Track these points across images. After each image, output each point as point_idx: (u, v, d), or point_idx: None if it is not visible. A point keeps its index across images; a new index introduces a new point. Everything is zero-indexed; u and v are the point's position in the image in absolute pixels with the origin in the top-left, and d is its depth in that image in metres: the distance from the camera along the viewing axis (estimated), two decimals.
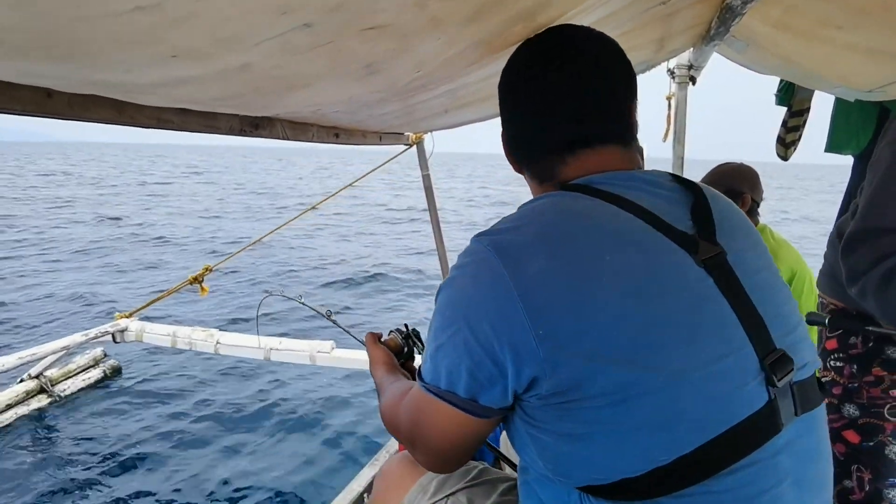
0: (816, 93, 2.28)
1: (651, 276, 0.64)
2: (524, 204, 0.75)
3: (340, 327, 1.63)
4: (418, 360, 1.26)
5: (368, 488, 2.27)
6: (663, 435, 0.60)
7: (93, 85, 0.89)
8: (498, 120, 0.89)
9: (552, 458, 0.66)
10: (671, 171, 0.83)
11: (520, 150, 0.85)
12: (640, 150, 0.83)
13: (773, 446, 0.64)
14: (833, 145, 2.22)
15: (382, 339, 1.24)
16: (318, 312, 1.65)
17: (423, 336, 1.28)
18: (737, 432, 0.62)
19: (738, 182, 1.96)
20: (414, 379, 1.15)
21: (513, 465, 1.18)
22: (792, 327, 0.71)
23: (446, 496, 1.00)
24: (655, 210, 0.70)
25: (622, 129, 0.79)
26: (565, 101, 0.77)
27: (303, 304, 1.81)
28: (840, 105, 2.16)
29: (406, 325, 1.29)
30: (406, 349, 1.26)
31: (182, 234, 13.53)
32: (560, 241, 0.65)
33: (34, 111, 0.95)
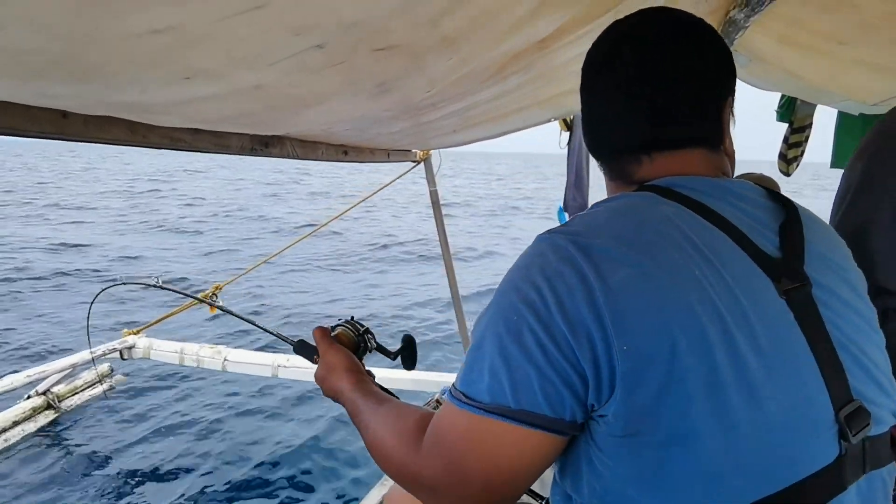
0: (818, 107, 2.30)
1: (734, 302, 0.57)
2: (596, 204, 0.67)
3: (186, 295, 1.50)
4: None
5: None
6: (727, 482, 0.54)
7: (108, 106, 0.91)
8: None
9: (603, 487, 0.59)
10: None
11: (593, 143, 0.76)
12: (732, 154, 0.74)
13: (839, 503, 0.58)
14: (839, 161, 2.23)
15: (334, 334, 1.01)
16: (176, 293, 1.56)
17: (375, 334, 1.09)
18: (800, 489, 0.56)
19: None
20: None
21: (534, 495, 1.12)
22: (873, 377, 0.63)
23: None
24: (741, 226, 0.62)
25: (710, 131, 0.69)
26: (642, 95, 0.67)
27: (152, 286, 1.72)
28: (844, 120, 2.18)
29: (352, 318, 1.09)
30: (362, 345, 1.04)
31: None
32: (644, 249, 0.58)
33: (51, 132, 0.97)
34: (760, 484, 0.55)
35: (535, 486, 1.16)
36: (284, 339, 1.20)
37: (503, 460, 0.59)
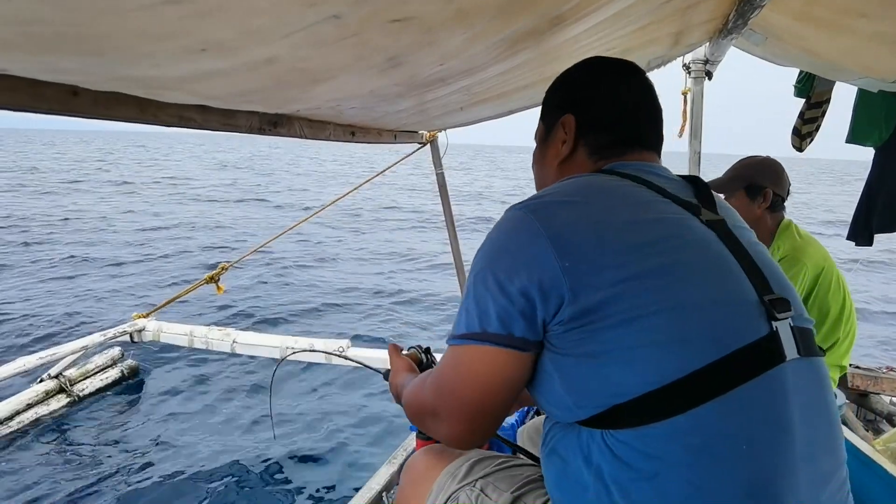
0: (836, 84, 2.25)
1: (661, 225, 0.75)
2: (558, 182, 0.86)
3: None
4: None
5: (387, 486, 2.27)
6: (675, 349, 0.66)
7: (119, 81, 0.90)
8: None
9: (575, 382, 0.72)
10: (688, 166, 0.97)
11: (589, 134, 0.95)
12: None
13: (780, 377, 0.69)
14: (855, 136, 2.20)
15: (404, 352, 1.29)
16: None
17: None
18: (745, 354, 0.67)
19: (760, 176, 1.91)
20: None
21: (532, 457, 1.16)
22: (788, 288, 0.79)
23: (475, 479, 1.00)
24: (665, 186, 0.83)
25: (658, 142, 0.96)
26: (634, 110, 0.94)
27: None
28: (862, 96, 2.14)
29: (420, 346, 1.39)
30: (425, 361, 1.34)
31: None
32: (585, 201, 0.77)
33: (60, 110, 0.96)
34: (707, 350, 0.67)
35: (528, 446, 1.24)
36: (376, 371, 1.47)
37: (481, 376, 0.76)
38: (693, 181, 0.91)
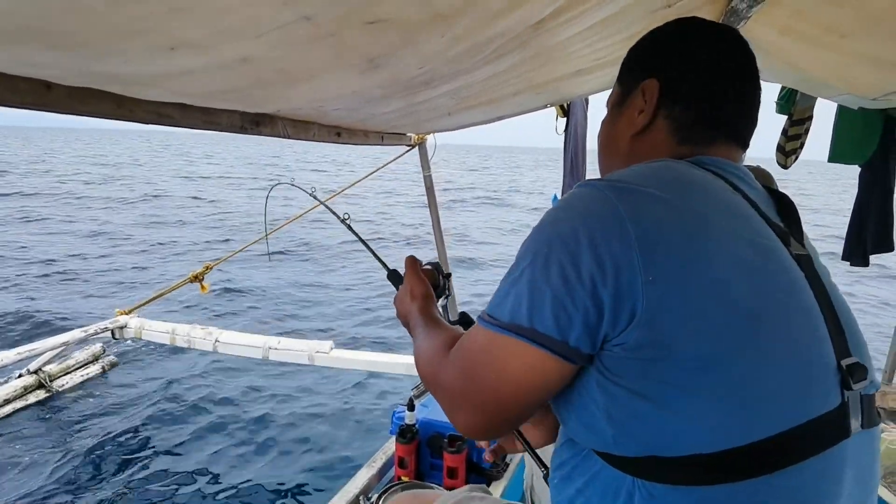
0: (818, 101, 2.28)
1: (756, 249, 0.63)
2: (636, 165, 0.71)
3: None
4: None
5: (365, 490, 2.26)
6: (745, 412, 0.58)
7: (91, 76, 0.88)
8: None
9: (621, 418, 0.62)
10: None
11: (674, 107, 0.79)
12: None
13: (841, 453, 0.62)
14: (836, 155, 2.22)
15: (421, 268, 1.12)
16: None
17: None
18: (812, 427, 0.60)
19: None
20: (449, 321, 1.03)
21: (541, 463, 1.14)
22: (862, 344, 0.70)
23: None
24: (756, 200, 0.71)
25: (748, 134, 0.81)
26: (731, 86, 0.78)
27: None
28: (843, 114, 2.16)
29: (438, 263, 1.18)
30: (441, 286, 1.14)
31: None
32: (678, 196, 0.64)
33: (33, 103, 0.94)
34: (777, 418, 0.58)
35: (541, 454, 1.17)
36: (383, 264, 1.30)
37: (510, 374, 0.65)
38: (778, 198, 0.77)
